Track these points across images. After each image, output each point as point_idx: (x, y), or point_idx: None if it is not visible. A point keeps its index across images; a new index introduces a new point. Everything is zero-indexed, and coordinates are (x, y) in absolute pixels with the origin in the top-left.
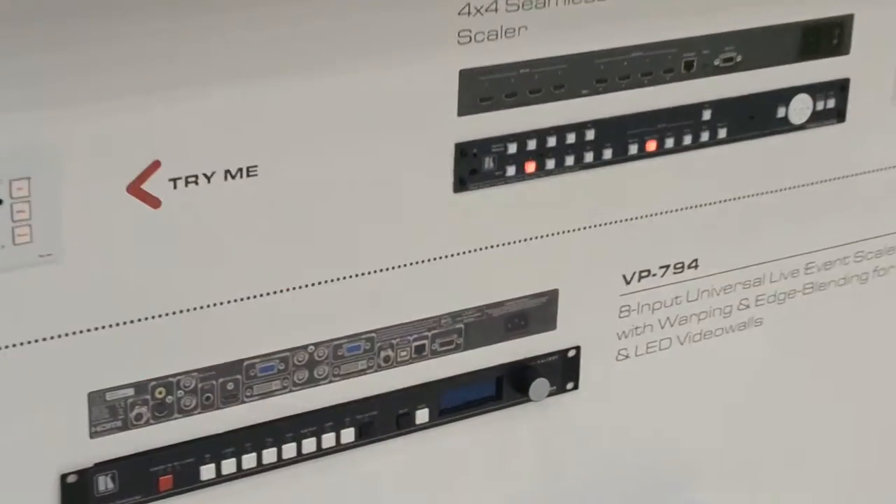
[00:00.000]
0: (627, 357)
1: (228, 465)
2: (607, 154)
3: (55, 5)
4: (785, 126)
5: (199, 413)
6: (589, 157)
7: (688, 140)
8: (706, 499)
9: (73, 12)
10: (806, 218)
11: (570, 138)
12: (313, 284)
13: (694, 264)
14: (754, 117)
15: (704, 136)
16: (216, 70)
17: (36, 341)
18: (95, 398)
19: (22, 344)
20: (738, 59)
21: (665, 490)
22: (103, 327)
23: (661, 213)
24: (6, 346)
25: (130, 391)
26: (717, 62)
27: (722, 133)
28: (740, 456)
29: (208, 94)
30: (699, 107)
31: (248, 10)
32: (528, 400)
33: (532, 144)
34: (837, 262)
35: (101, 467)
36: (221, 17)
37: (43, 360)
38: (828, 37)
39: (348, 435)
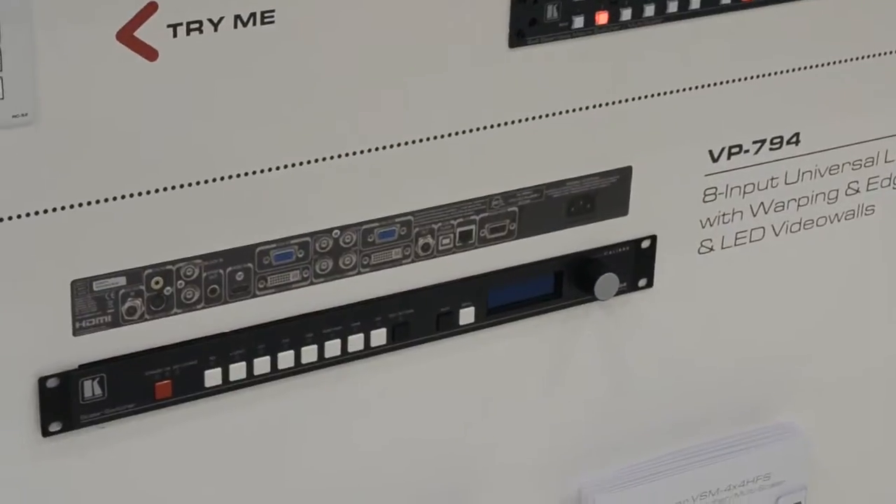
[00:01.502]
0: (712, 249)
1: (237, 370)
2: (695, 3)
3: None
4: None
5: (203, 308)
6: (673, 6)
7: None
8: (799, 420)
9: None
10: None
11: None
12: (339, 156)
13: (794, 139)
14: None
15: None
16: None
17: (9, 218)
18: (80, 288)
19: None
20: None
21: (751, 407)
22: (89, 203)
23: (757, 77)
24: None
25: (122, 280)
26: None
27: None
28: (841, 372)
29: None
30: None
31: None
32: (594, 298)
33: None
34: None
35: (87, 369)
36: None
37: (17, 242)
38: None
39: (379, 337)
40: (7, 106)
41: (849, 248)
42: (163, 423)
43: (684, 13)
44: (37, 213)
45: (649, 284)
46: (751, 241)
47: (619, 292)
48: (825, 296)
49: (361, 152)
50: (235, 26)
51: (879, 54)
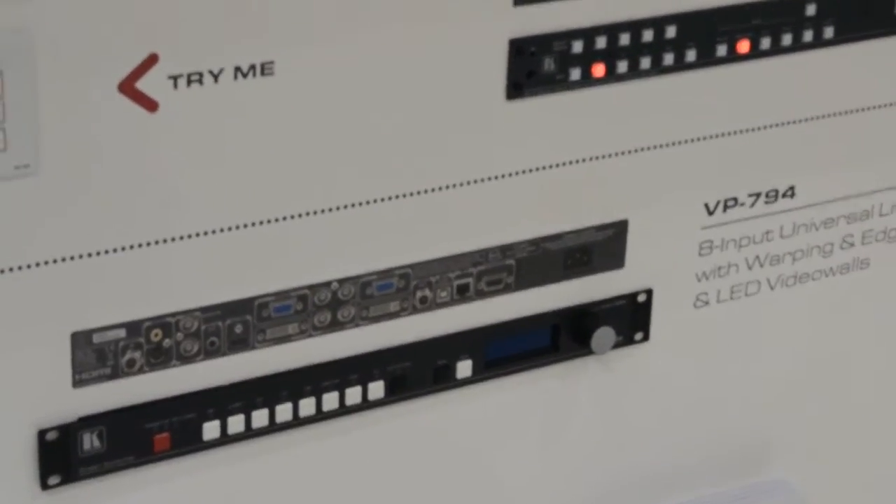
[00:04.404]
0: (707, 303)
1: (236, 423)
2: (691, 56)
3: None
4: None
5: (202, 360)
6: (669, 59)
7: (787, 40)
8: (794, 478)
9: None
10: None
11: (647, 36)
12: (338, 208)
13: (789, 192)
14: (868, 13)
15: (808, 37)
16: None
17: (10, 270)
18: (80, 340)
19: None
20: None
21: (746, 464)
22: (89, 255)
23: (753, 130)
24: None
25: (122, 332)
26: None
27: (828, 32)
28: (837, 428)
29: None
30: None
31: None
32: (590, 352)
33: (601, 42)
34: None
35: (87, 422)
36: None
37: (18, 293)
38: None
39: (377, 390)
40: (9, 157)
41: (844, 302)
42: (161, 476)
43: (680, 66)
44: (37, 264)
45: (645, 338)
46: (746, 295)
47: (616, 346)
48: (820, 350)
49: (360, 204)
50: (235, 78)
51: (874, 107)
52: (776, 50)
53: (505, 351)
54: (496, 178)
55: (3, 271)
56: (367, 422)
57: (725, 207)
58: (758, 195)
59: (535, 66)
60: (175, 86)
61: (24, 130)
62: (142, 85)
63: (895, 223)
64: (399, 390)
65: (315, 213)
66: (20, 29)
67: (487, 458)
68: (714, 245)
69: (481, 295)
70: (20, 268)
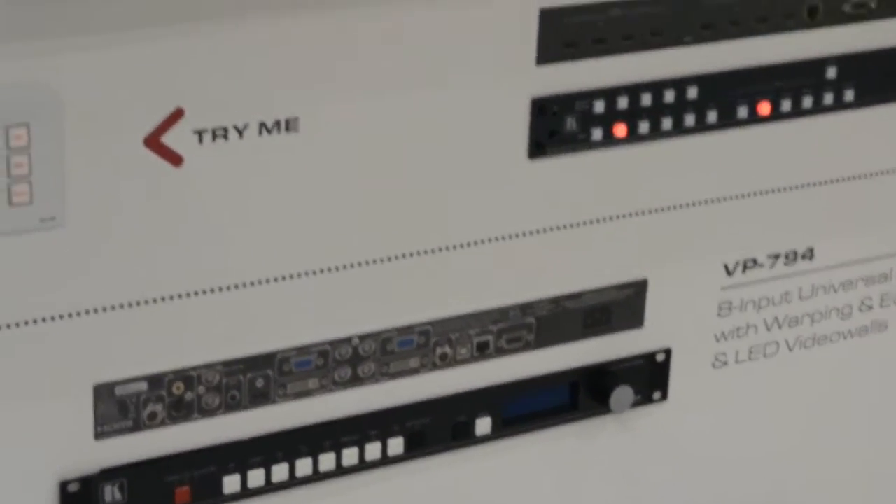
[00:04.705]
0: (726, 363)
1: (256, 477)
2: (711, 117)
3: None
4: None
5: (223, 414)
6: (690, 119)
7: (808, 103)
8: None
9: None
10: None
11: (669, 96)
12: (359, 264)
13: (808, 254)
14: (888, 77)
15: (828, 99)
16: None
17: (34, 322)
18: (102, 392)
19: (18, 325)
20: (873, 5)
21: None
22: (113, 307)
23: (772, 192)
24: None
25: (143, 385)
26: (846, 8)
27: (849, 95)
28: (854, 489)
29: (241, 28)
30: (823, 62)
31: None
32: (608, 411)
33: (623, 102)
34: None
35: (108, 475)
36: None
37: (42, 345)
38: None
39: (396, 446)
40: (35, 210)
41: (862, 364)
42: None
43: (701, 127)
44: (61, 316)
45: (664, 397)
46: (765, 356)
47: (634, 405)
48: (838, 411)
49: (381, 261)
50: (260, 133)
51: (893, 171)
52: (797, 112)
53: (524, 409)
54: (517, 236)
55: (27, 323)
56: (387, 477)
57: (745, 268)
58: (777, 256)
59: (558, 126)
60: (200, 140)
61: (50, 184)
62: (167, 139)
63: None
64: (418, 446)
65: (336, 268)
66: (47, 83)
67: None
68: (733, 306)
69: (501, 352)
70: (44, 319)
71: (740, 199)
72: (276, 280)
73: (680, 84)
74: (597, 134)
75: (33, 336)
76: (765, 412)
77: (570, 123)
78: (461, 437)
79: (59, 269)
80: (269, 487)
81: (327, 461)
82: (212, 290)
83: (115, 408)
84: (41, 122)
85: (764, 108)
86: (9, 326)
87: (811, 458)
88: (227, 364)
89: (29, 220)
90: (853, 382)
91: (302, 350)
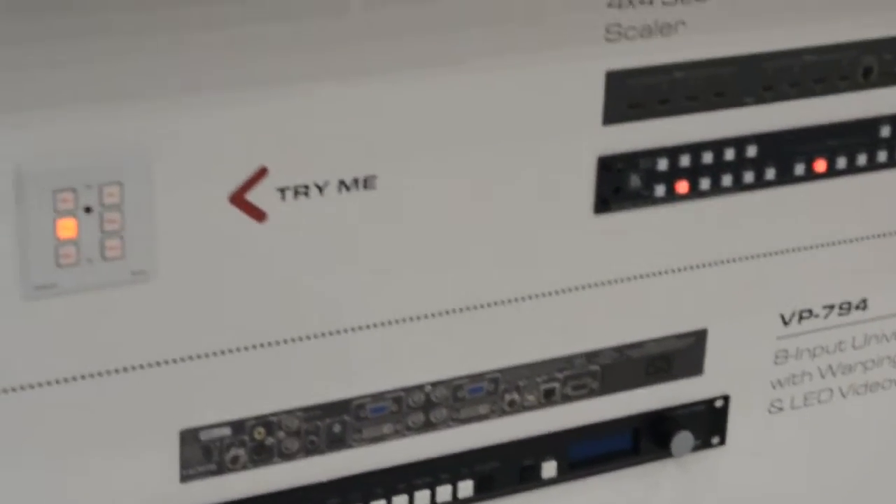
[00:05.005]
0: (782, 409)
1: None
2: (770, 174)
3: None
4: None
5: (302, 458)
6: (749, 177)
7: (862, 160)
8: None
9: None
10: None
11: (729, 154)
12: (432, 315)
13: (862, 305)
14: None
15: (882, 157)
16: (331, 65)
17: (124, 370)
18: (188, 437)
19: (108, 373)
20: None
21: None
22: (199, 356)
23: (828, 245)
24: (91, 375)
25: (227, 430)
26: None
27: None
28: None
29: (323, 92)
30: (877, 121)
31: None
32: (669, 455)
33: (685, 160)
34: None
35: None
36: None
37: (131, 392)
38: None
39: (466, 488)
40: (127, 264)
41: None
42: None
43: (760, 183)
44: (150, 364)
45: (722, 442)
46: (819, 402)
47: (694, 449)
48: (891, 457)
49: (453, 311)
50: (340, 190)
51: None
52: (851, 169)
53: (588, 452)
54: (582, 287)
55: (118, 371)
56: None
57: (801, 318)
58: (832, 307)
59: (622, 182)
60: (283, 197)
61: (141, 239)
62: (251, 196)
63: None
64: (487, 489)
65: (411, 319)
66: (139, 144)
67: None
68: (789, 354)
69: (566, 399)
70: (134, 368)
71: (796, 252)
72: (352, 330)
73: (740, 143)
74: (659, 190)
75: (123, 383)
76: (819, 456)
77: (634, 180)
78: (528, 479)
79: (149, 319)
80: None
81: (400, 503)
82: (292, 340)
83: (200, 452)
84: (133, 182)
85: (820, 165)
86: (101, 374)
87: (864, 501)
88: (306, 410)
89: (121, 273)
90: None
91: (377, 397)
